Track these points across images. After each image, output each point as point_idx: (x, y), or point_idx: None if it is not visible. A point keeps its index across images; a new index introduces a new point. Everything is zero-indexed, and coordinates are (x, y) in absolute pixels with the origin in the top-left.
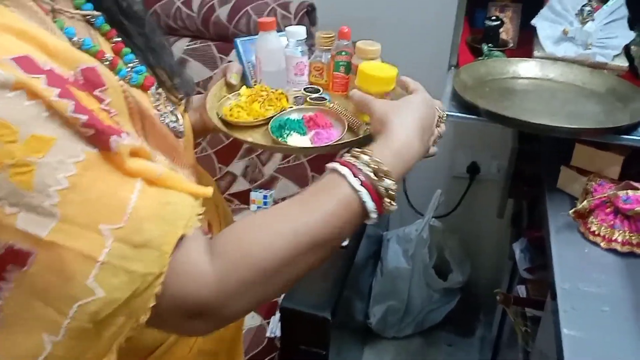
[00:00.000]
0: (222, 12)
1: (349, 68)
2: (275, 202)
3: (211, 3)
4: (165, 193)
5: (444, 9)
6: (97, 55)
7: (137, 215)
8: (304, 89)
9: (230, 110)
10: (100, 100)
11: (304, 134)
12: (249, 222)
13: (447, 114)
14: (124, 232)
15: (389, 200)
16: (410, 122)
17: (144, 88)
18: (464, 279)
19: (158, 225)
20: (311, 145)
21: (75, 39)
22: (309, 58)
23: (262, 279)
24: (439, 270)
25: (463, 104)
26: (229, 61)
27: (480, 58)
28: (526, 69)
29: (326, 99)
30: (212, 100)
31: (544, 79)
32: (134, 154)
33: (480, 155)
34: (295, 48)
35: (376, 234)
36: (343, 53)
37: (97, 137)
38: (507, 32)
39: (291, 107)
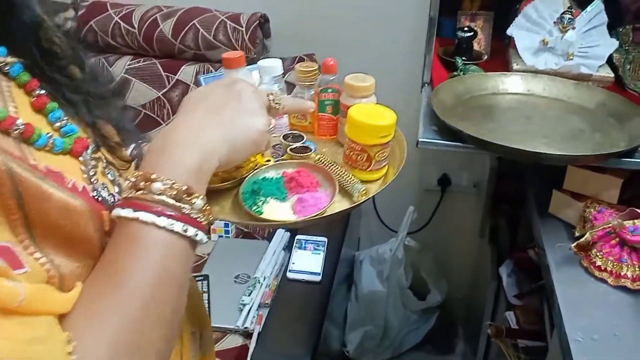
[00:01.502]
0: (166, 27)
1: (337, 108)
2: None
3: (153, 17)
4: (31, 325)
5: (411, 19)
6: (4, 123)
7: None
8: (283, 137)
9: None
10: None
11: (284, 198)
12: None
13: (279, 102)
14: None
15: (206, 216)
16: (188, 118)
17: (73, 154)
18: (443, 297)
19: None
20: (293, 220)
21: None
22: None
23: None
24: (416, 290)
25: (444, 129)
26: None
27: (455, 73)
28: (507, 83)
29: (311, 149)
30: None
31: (527, 94)
32: None
33: (451, 166)
34: (270, 86)
35: (347, 256)
36: (329, 90)
37: None
38: (479, 43)
39: (269, 161)
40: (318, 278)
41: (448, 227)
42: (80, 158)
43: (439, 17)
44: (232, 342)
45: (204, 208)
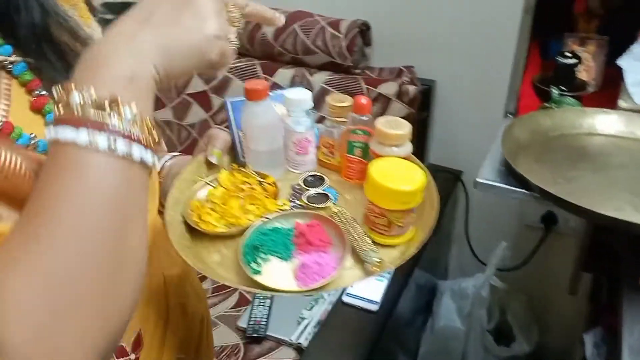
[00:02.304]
0: (269, 30)
1: (368, 152)
2: None
3: None
4: None
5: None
6: None
7: None
8: (304, 180)
9: (201, 208)
10: None
11: (289, 257)
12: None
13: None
14: None
15: (143, 129)
16: (121, 25)
17: None
18: (531, 348)
19: None
20: (291, 289)
21: None
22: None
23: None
24: (500, 335)
25: (512, 171)
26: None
27: (546, 105)
28: (606, 123)
29: (329, 198)
30: (180, 189)
31: (629, 137)
32: None
33: None
34: (297, 119)
35: (429, 283)
36: (359, 132)
37: None
38: (589, 72)
39: (282, 208)
40: (375, 307)
41: (548, 270)
42: None
43: (546, 37)
44: (284, 355)
45: (139, 119)
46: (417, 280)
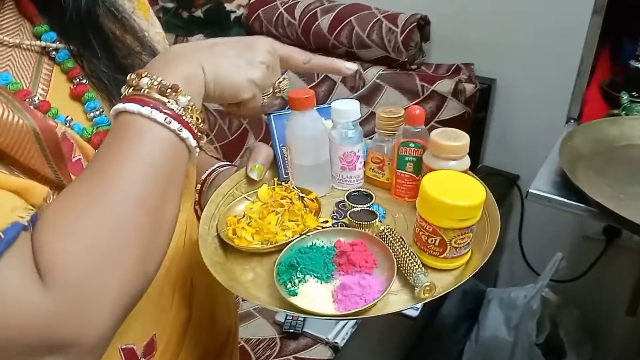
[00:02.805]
0: (324, 22)
1: (420, 167)
2: None
3: (314, 11)
4: None
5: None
6: (17, 95)
7: None
8: (348, 196)
9: (237, 223)
10: None
11: (328, 278)
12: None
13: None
14: None
15: (193, 116)
16: (191, 44)
17: (91, 144)
18: None
19: None
20: (328, 313)
21: None
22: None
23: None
24: (550, 350)
25: (569, 183)
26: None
27: (615, 111)
28: None
29: (377, 215)
30: (216, 203)
31: None
32: None
33: None
34: (343, 132)
35: (477, 290)
36: (412, 145)
37: None
38: None
39: (326, 222)
40: (415, 314)
41: (605, 286)
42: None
43: (619, 39)
44: (319, 353)
45: (190, 107)
46: (463, 286)
